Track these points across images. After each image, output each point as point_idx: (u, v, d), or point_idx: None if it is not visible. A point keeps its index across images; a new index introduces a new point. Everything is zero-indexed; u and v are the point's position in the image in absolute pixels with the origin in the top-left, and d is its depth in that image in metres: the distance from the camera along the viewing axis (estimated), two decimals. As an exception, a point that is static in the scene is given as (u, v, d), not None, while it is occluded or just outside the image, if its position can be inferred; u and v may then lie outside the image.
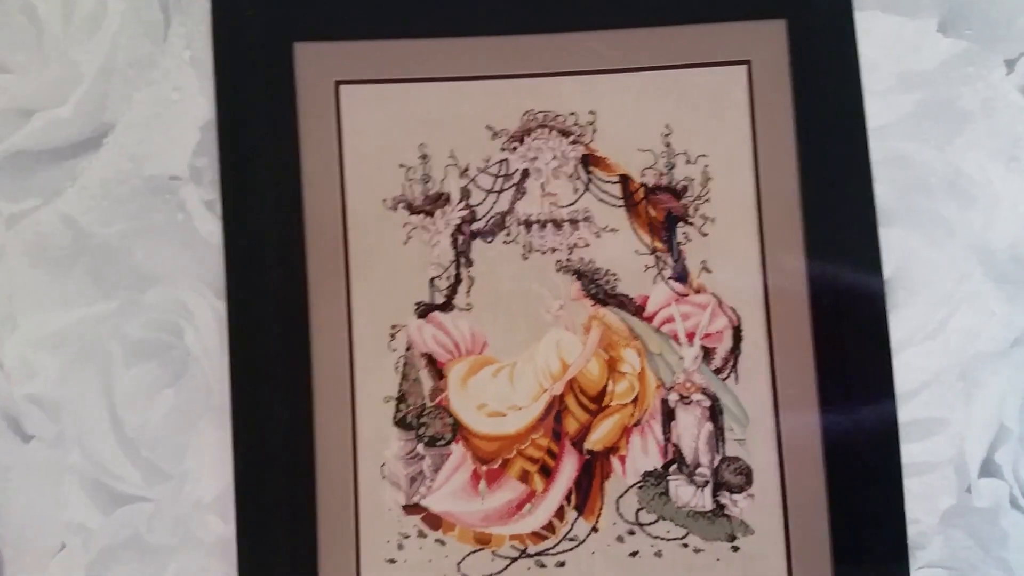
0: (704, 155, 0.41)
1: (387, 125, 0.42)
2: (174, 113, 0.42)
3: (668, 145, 0.41)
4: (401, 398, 0.41)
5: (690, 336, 0.40)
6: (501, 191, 0.42)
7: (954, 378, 0.39)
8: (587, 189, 0.42)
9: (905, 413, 0.39)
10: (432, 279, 0.41)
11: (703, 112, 0.41)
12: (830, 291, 0.39)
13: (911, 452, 0.38)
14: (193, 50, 0.43)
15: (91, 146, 0.42)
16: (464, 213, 0.42)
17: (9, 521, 0.41)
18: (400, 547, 0.39)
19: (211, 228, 0.42)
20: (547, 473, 0.40)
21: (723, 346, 0.40)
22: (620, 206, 0.41)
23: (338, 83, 0.42)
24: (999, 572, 0.38)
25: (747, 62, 0.41)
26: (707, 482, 0.39)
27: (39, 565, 0.41)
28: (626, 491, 0.39)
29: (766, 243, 0.40)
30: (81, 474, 0.41)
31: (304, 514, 0.39)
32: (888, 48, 0.42)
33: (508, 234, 0.42)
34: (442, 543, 0.39)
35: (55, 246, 0.42)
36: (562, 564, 0.39)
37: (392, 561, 0.39)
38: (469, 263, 0.41)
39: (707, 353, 0.40)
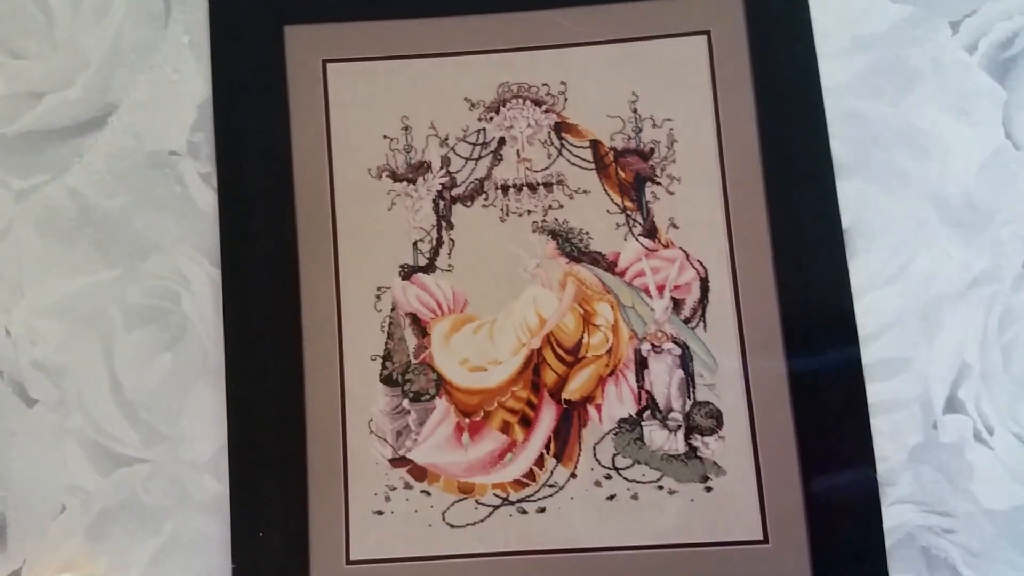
0: (669, 119, 0.43)
1: (371, 100, 0.44)
2: (173, 93, 0.45)
3: (635, 111, 0.44)
4: (387, 356, 0.42)
5: (660, 288, 0.42)
6: (479, 158, 0.44)
7: (915, 319, 0.41)
8: (560, 154, 0.44)
9: (869, 354, 0.40)
10: (415, 242, 0.43)
11: (667, 80, 0.44)
12: (791, 242, 0.41)
13: (877, 392, 0.40)
14: (191, 35, 0.46)
15: (96, 125, 0.45)
16: (445, 180, 0.44)
17: (12, 484, 0.43)
18: (387, 499, 0.41)
19: (207, 199, 0.44)
20: (527, 423, 0.41)
21: (691, 297, 0.42)
22: (591, 169, 0.44)
23: (325, 62, 0.44)
24: (966, 504, 0.39)
25: (707, 32, 0.44)
26: (679, 426, 0.40)
27: (40, 527, 0.42)
28: (602, 438, 0.41)
29: (729, 199, 0.42)
30: (81, 437, 0.43)
31: (295, 470, 0.41)
32: (839, 14, 0.44)
33: (486, 198, 0.44)
34: (427, 494, 0.41)
35: (62, 218, 0.45)
36: (543, 510, 0.40)
37: (380, 512, 0.41)
38: (450, 226, 0.43)
39: (676, 304, 0.42)
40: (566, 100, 0.44)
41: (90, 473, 0.42)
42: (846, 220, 0.42)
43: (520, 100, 0.44)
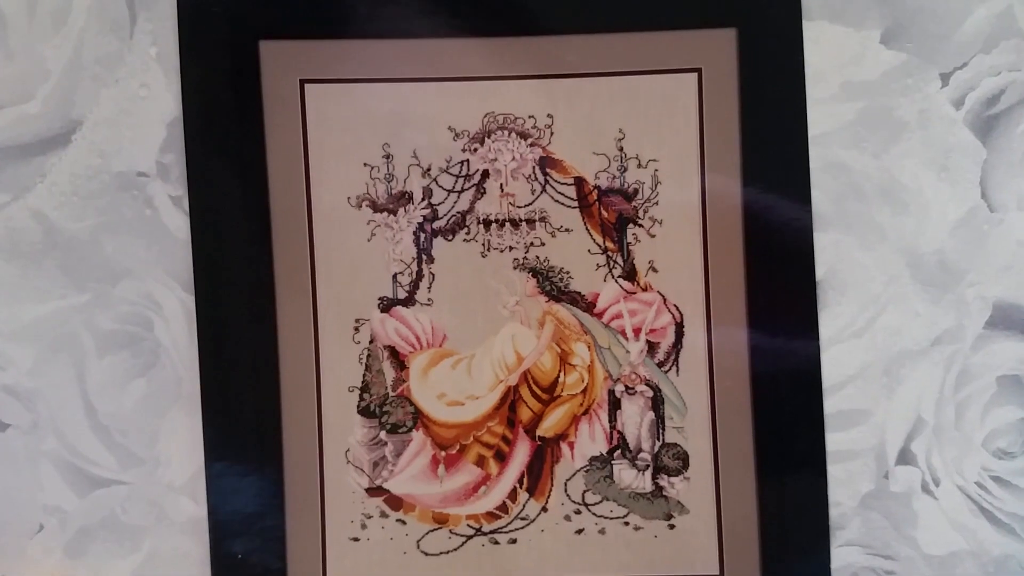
0: (655, 159, 0.43)
1: (351, 124, 0.43)
2: (141, 110, 0.43)
3: (621, 149, 0.43)
4: (365, 388, 0.43)
5: (636, 331, 0.43)
6: (462, 191, 0.44)
7: (878, 373, 0.43)
8: (544, 190, 0.44)
9: (832, 404, 0.42)
10: (395, 275, 0.43)
11: (655, 117, 0.43)
12: (766, 292, 0.42)
13: (836, 441, 0.42)
14: (159, 46, 0.43)
15: (60, 142, 0.43)
16: (426, 212, 0.44)
17: (-11, 504, 0.43)
18: (363, 526, 0.42)
19: (179, 223, 0.43)
20: (501, 458, 0.42)
21: (666, 341, 0.43)
22: (575, 207, 0.44)
23: (303, 81, 0.43)
24: (908, 548, 0.42)
25: (698, 70, 0.43)
26: (648, 466, 0.42)
27: (18, 546, 0.43)
28: (574, 474, 0.42)
29: (709, 245, 0.43)
30: (56, 459, 0.43)
31: (272, 497, 0.42)
32: (833, 58, 0.44)
33: (468, 232, 0.44)
34: (403, 523, 0.42)
35: (26, 241, 0.43)
36: (514, 541, 0.42)
37: (356, 540, 0.42)
38: (431, 260, 0.43)
39: (651, 347, 0.43)
40: (552, 134, 0.44)
41: (67, 494, 0.43)
42: (820, 271, 0.43)
43: (505, 132, 0.44)
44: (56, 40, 0.43)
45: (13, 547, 0.43)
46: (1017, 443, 0.43)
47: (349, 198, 0.43)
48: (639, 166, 0.43)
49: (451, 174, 0.44)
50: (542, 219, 0.44)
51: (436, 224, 0.44)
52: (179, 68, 0.43)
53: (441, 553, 0.42)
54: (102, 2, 0.43)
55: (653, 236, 0.43)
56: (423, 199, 0.44)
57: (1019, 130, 0.44)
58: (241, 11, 0.43)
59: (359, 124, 0.43)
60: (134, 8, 0.43)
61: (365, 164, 0.43)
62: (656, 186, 0.43)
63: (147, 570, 0.43)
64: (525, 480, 0.42)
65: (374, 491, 0.42)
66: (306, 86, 0.43)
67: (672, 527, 0.42)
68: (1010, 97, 0.44)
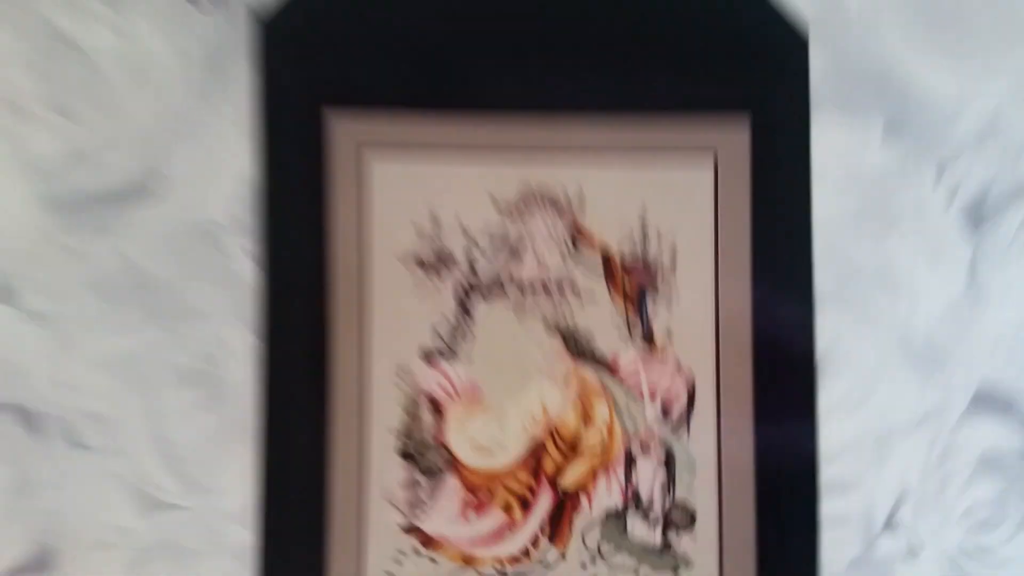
0: (674, 234, 0.48)
1: (404, 187, 0.48)
2: (219, 167, 0.49)
3: (644, 224, 0.48)
4: (405, 432, 0.47)
5: (652, 394, 0.47)
6: (500, 256, 0.48)
7: (870, 446, 0.47)
8: (573, 259, 0.48)
9: (825, 474, 0.46)
10: (437, 330, 0.48)
11: (674, 194, 0.48)
12: (769, 363, 0.46)
13: (827, 507, 0.46)
14: (236, 110, 0.49)
15: (147, 192, 0.48)
16: (467, 273, 0.48)
17: (63, 520, 0.47)
18: (399, 562, 0.46)
19: (249, 272, 0.48)
20: (526, 506, 0.47)
21: (679, 404, 0.47)
22: (600, 276, 0.48)
23: (362, 145, 0.48)
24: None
25: (713, 149, 0.48)
26: (658, 521, 0.46)
27: (86, 560, 0.47)
28: (591, 525, 0.46)
29: (720, 317, 0.47)
30: (126, 482, 0.47)
31: (317, 528, 0.46)
32: (837, 147, 0.48)
33: (505, 295, 0.48)
34: (434, 561, 0.46)
35: (111, 280, 0.48)
36: (534, 583, 0.46)
37: (391, 574, 0.46)
38: (470, 318, 0.48)
39: (665, 409, 0.47)
40: (582, 206, 0.49)
41: (133, 515, 0.47)
42: (819, 348, 0.47)
43: (540, 202, 0.49)
44: (143, 96, 0.48)
45: (80, 560, 0.47)
46: (997, 515, 0.47)
47: (399, 256, 0.48)
48: (659, 240, 0.48)
49: (491, 240, 0.48)
50: (571, 285, 0.48)
51: (476, 285, 0.48)
52: (252, 129, 0.48)
53: (467, 589, 0.46)
54: (186, 64, 0.48)
55: (670, 306, 0.48)
56: (465, 262, 0.48)
57: (1005, 223, 0.48)
58: (308, 80, 0.48)
59: (411, 188, 0.48)
60: (215, 71, 0.48)
61: (414, 224, 0.48)
62: (675, 259, 0.48)
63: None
64: (547, 528, 0.46)
65: (409, 529, 0.47)
66: (364, 150, 0.48)
67: (678, 578, 0.46)
68: (997, 192, 0.48)
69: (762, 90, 0.47)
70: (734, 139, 0.48)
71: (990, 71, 0.48)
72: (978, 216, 0.49)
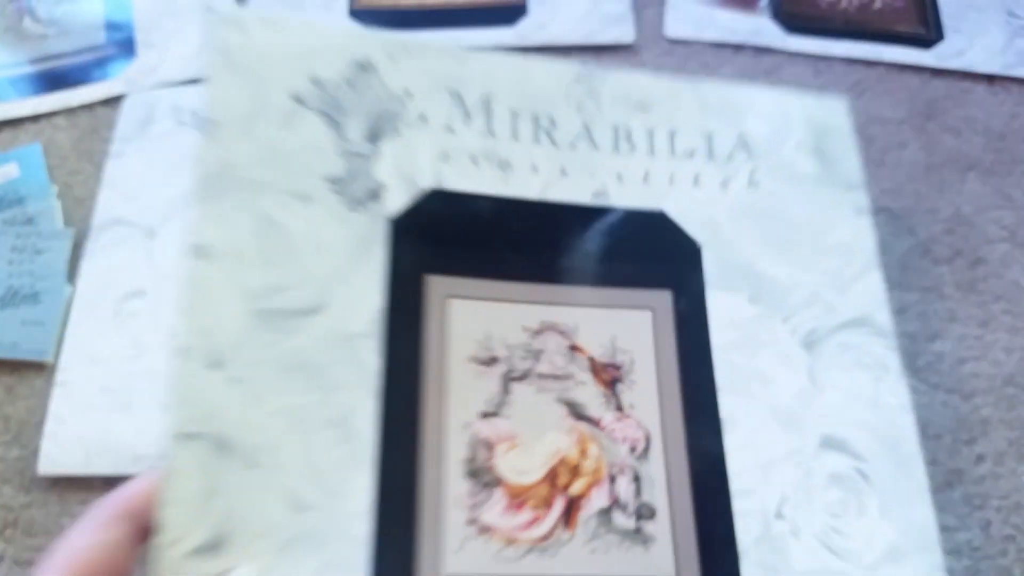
0: (632, 351, 0.81)
1: (470, 319, 0.81)
2: (360, 307, 0.82)
3: (614, 344, 0.82)
4: (469, 461, 0.74)
5: (624, 440, 0.76)
6: (527, 359, 0.80)
7: (760, 468, 0.75)
8: (573, 362, 0.81)
9: (734, 485, 0.73)
10: (489, 401, 0.78)
11: (631, 330, 0.82)
12: (696, 413, 0.77)
13: (737, 505, 0.72)
14: (374, 271, 0.83)
15: (312, 311, 0.81)
16: (507, 369, 0.80)
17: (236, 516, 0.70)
18: (464, 544, 0.70)
19: (374, 362, 0.78)
20: (548, 506, 0.72)
21: (640, 446, 0.76)
22: (588, 371, 0.80)
23: (447, 296, 0.82)
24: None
25: (652, 308, 0.84)
26: (632, 515, 0.72)
27: (251, 544, 0.69)
28: (590, 517, 0.72)
29: (662, 399, 0.78)
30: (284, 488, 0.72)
31: (411, 522, 0.70)
32: (721, 308, 0.85)
33: (530, 381, 0.79)
34: (488, 542, 0.70)
35: (288, 361, 0.78)
36: (555, 554, 0.70)
37: (461, 549, 0.69)
38: (509, 393, 0.78)
39: (632, 448, 0.76)
40: (577, 333, 0.82)
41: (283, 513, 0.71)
42: (723, 415, 0.78)
43: (552, 331, 0.83)
44: (320, 260, 0.83)
45: (246, 545, 0.69)
46: (842, 509, 0.74)
47: (465, 358, 0.80)
48: (624, 353, 0.81)
49: (522, 350, 0.81)
50: (571, 376, 0.80)
51: (512, 375, 0.80)
52: (383, 284, 0.82)
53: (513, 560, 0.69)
54: (345, 244, 0.84)
55: (633, 387, 0.79)
56: (506, 362, 0.80)
57: (828, 347, 0.83)
58: (419, 259, 0.84)
59: (473, 319, 0.82)
60: (362, 248, 0.84)
61: (475, 341, 0.81)
62: (633, 365, 0.81)
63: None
64: (561, 520, 0.72)
65: (471, 522, 0.71)
66: (448, 299, 0.82)
67: (647, 549, 0.70)
68: (820, 329, 0.84)
69: (678, 276, 0.86)
70: (663, 302, 0.84)
71: (809, 267, 0.88)
72: (809, 343, 0.84)
